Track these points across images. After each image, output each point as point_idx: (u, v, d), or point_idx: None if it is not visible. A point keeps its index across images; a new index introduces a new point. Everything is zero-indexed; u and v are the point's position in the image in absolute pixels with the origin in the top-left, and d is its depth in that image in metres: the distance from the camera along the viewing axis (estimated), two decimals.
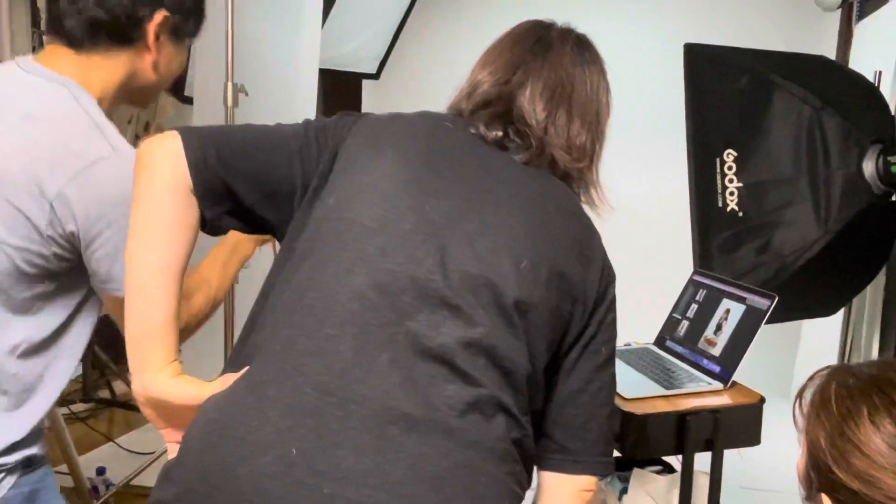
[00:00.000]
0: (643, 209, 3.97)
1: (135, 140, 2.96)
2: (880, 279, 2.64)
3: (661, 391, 1.64)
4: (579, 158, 1.06)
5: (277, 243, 1.07)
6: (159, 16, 1.19)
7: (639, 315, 2.54)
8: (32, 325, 1.15)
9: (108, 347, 3.48)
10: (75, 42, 1.17)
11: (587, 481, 1.02)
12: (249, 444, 0.83)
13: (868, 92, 2.42)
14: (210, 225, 1.00)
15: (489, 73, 1.08)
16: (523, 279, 0.92)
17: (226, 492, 0.82)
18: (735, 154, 2.33)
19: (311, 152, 1.01)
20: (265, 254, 1.41)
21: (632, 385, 1.68)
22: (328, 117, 1.07)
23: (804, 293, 2.33)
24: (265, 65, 2.98)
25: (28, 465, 1.17)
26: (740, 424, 1.60)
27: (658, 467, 1.80)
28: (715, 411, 1.57)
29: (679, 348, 1.90)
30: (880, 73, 2.67)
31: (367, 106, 4.46)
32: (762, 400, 1.63)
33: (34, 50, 1.94)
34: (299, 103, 3.11)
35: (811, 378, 0.93)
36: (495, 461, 0.88)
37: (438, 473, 0.83)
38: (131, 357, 0.95)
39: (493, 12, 3.98)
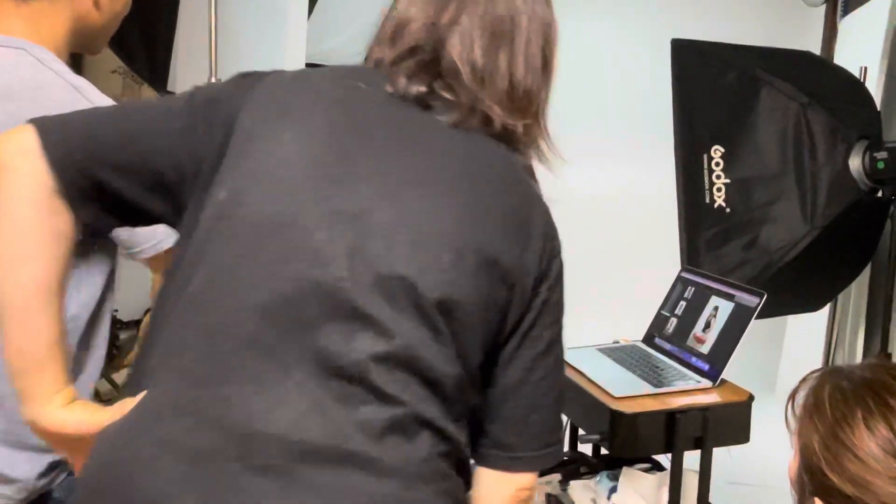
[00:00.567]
0: (630, 205, 3.98)
1: None
2: (865, 275, 2.66)
3: (650, 389, 1.64)
4: (523, 113, 0.91)
5: None
6: None
7: (627, 312, 2.54)
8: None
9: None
10: None
11: (526, 479, 0.91)
12: (141, 498, 0.74)
13: (854, 88, 2.43)
14: (89, 228, 0.88)
15: (419, 9, 0.91)
16: (447, 274, 0.81)
17: None
18: (722, 150, 2.33)
19: (198, 131, 0.86)
20: None
21: (620, 383, 1.68)
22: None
23: (791, 289, 2.35)
24: (249, 59, 2.95)
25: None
26: (729, 422, 1.61)
27: (647, 465, 1.80)
28: (704, 409, 1.57)
29: (668, 346, 1.90)
30: (865, 68, 2.68)
31: None
32: (751, 398, 1.63)
33: None
34: None
35: (804, 380, 0.92)
36: (420, 486, 0.79)
37: None
38: (17, 388, 0.84)
39: None
